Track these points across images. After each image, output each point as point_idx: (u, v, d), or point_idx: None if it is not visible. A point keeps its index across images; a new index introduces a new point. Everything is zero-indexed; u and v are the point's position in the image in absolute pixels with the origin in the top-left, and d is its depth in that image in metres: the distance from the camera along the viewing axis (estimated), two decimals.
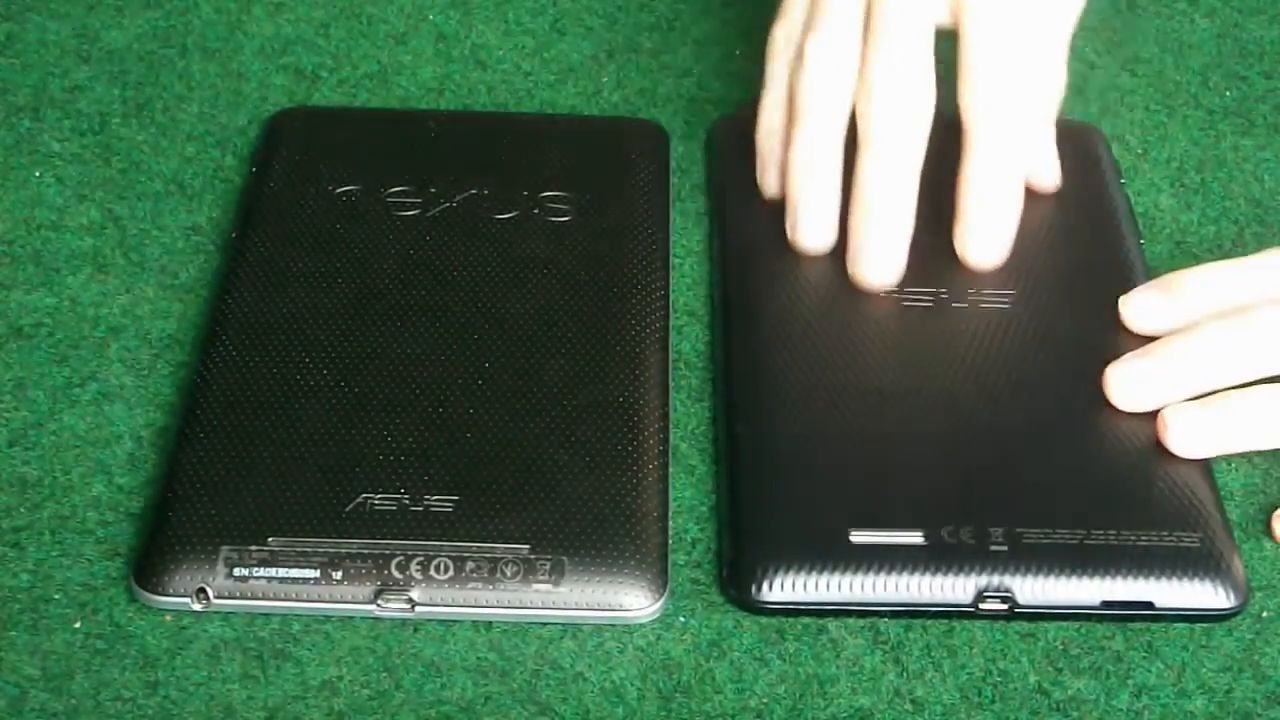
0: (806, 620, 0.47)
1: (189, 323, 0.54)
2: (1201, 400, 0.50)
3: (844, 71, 0.54)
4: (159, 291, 0.55)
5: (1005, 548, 0.46)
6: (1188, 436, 0.49)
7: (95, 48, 0.64)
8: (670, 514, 0.48)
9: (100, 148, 0.60)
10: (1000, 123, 0.53)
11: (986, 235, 0.54)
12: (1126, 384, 0.50)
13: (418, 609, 0.46)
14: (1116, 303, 0.53)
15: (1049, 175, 0.57)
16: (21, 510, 0.48)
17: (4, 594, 0.46)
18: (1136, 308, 0.53)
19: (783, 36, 0.57)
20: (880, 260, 0.53)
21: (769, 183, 0.56)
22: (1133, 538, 0.47)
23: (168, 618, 0.46)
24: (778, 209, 0.56)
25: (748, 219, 0.56)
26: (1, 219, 0.57)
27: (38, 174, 0.59)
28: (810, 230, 0.54)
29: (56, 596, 0.46)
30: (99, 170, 0.59)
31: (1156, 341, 0.52)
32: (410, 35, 0.65)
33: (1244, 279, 0.52)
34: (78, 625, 0.46)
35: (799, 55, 0.55)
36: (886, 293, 0.53)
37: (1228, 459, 0.51)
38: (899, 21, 0.53)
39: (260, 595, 0.45)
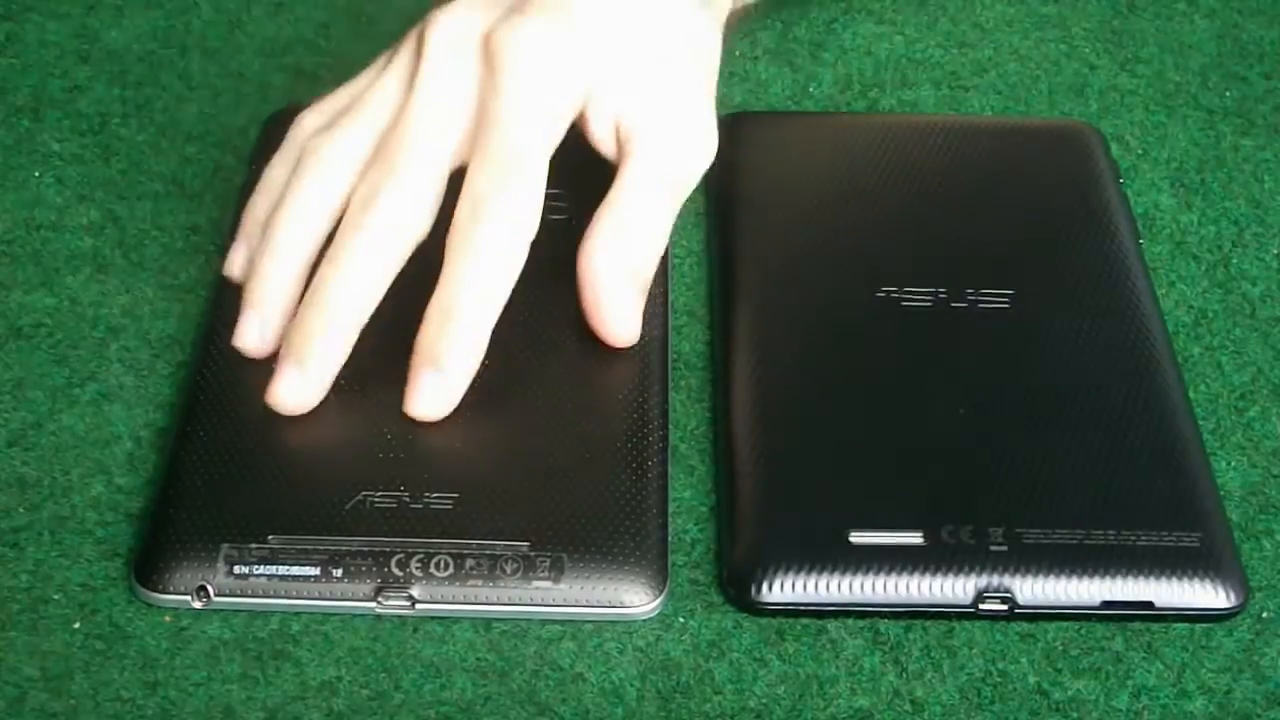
0: (806, 621, 0.47)
1: (189, 323, 0.54)
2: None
3: (344, 180, 0.50)
4: (159, 291, 0.55)
5: (1005, 548, 0.46)
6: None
7: (95, 48, 0.64)
8: (670, 514, 0.48)
9: (100, 148, 0.60)
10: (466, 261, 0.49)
11: (429, 381, 0.49)
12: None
13: (418, 606, 0.46)
14: (1116, 303, 0.53)
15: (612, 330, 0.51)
16: (21, 510, 0.48)
17: (4, 594, 0.46)
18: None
19: (311, 124, 0.52)
20: (300, 384, 0.49)
21: (235, 263, 0.53)
22: (1133, 537, 0.47)
23: (167, 618, 0.46)
24: (778, 210, 0.56)
25: (748, 219, 0.56)
26: (1, 219, 0.57)
27: (38, 174, 0.59)
28: (249, 332, 0.50)
29: (56, 597, 0.46)
30: (99, 170, 0.59)
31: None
32: None
33: None
34: (77, 625, 0.46)
35: (309, 150, 0.51)
36: (886, 292, 0.53)
37: (1228, 460, 0.51)
38: (414, 157, 0.49)
39: (260, 593, 0.45)
